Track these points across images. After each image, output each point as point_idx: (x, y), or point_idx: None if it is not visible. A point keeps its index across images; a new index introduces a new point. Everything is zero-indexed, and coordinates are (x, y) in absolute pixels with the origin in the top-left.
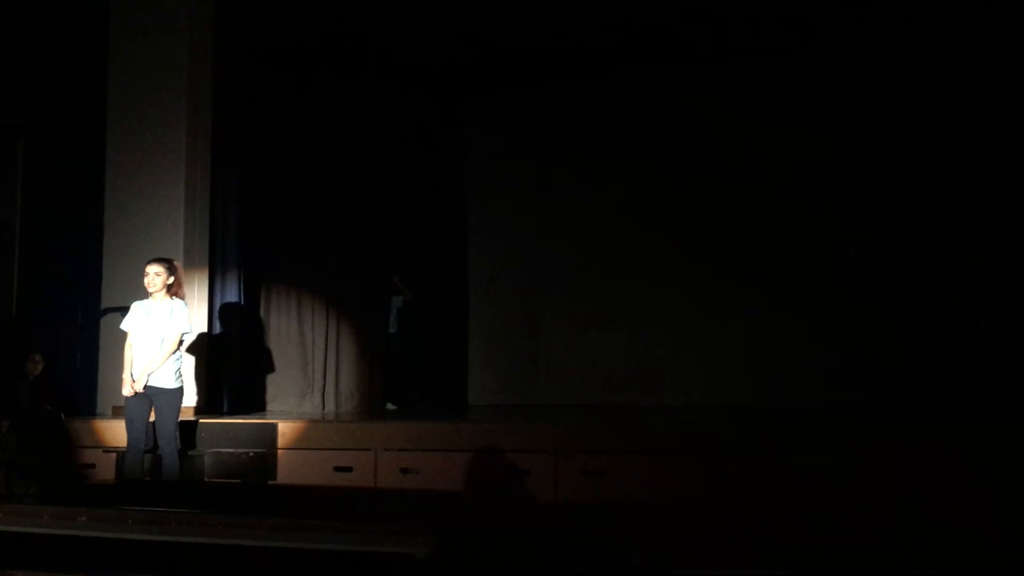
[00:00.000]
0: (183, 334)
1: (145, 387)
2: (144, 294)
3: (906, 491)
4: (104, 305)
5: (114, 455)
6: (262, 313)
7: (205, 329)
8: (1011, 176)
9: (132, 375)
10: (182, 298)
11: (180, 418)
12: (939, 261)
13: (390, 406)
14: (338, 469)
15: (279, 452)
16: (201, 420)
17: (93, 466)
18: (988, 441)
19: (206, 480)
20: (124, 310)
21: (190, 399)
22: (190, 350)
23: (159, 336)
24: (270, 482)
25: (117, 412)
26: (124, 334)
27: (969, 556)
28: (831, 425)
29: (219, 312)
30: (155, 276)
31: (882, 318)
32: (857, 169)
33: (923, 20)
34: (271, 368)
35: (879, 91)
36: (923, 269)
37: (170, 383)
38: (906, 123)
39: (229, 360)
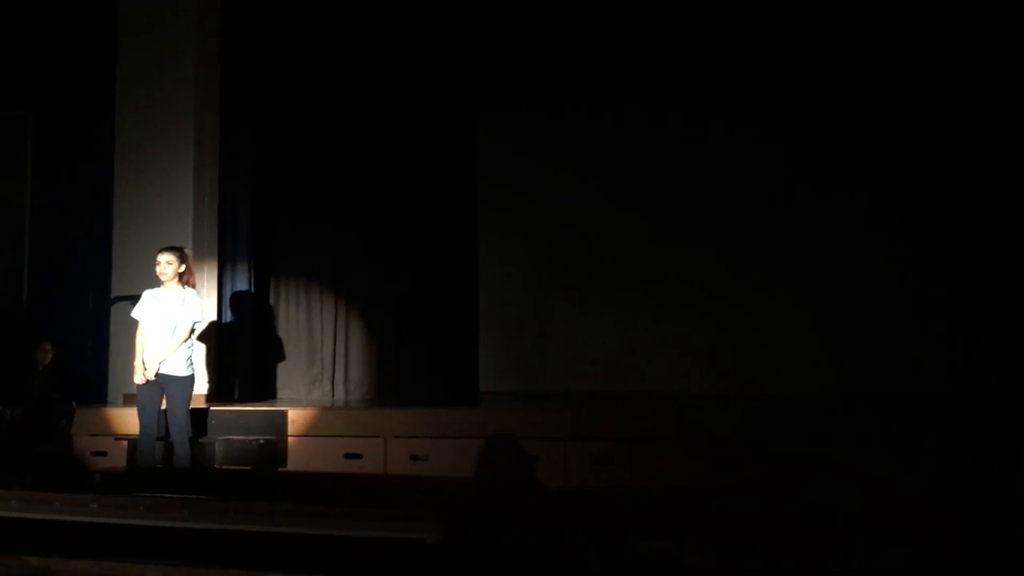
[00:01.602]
0: (195, 322)
1: (157, 375)
2: (155, 283)
3: (917, 481)
4: (114, 294)
5: (125, 442)
6: (272, 302)
7: (215, 318)
8: None
9: (144, 363)
10: (193, 286)
11: (191, 406)
12: (955, 251)
13: None
14: (348, 456)
15: (289, 439)
16: (212, 408)
17: (105, 453)
18: (998, 433)
19: (217, 467)
20: (134, 298)
21: (201, 387)
22: (201, 338)
23: (171, 324)
24: (280, 469)
25: (128, 400)
26: (135, 322)
27: (980, 548)
28: (842, 414)
29: (229, 301)
30: (167, 265)
31: (896, 307)
32: (871, 159)
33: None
34: (281, 356)
35: (889, 82)
36: (938, 258)
37: (181, 371)
38: (922, 115)
39: (239, 348)
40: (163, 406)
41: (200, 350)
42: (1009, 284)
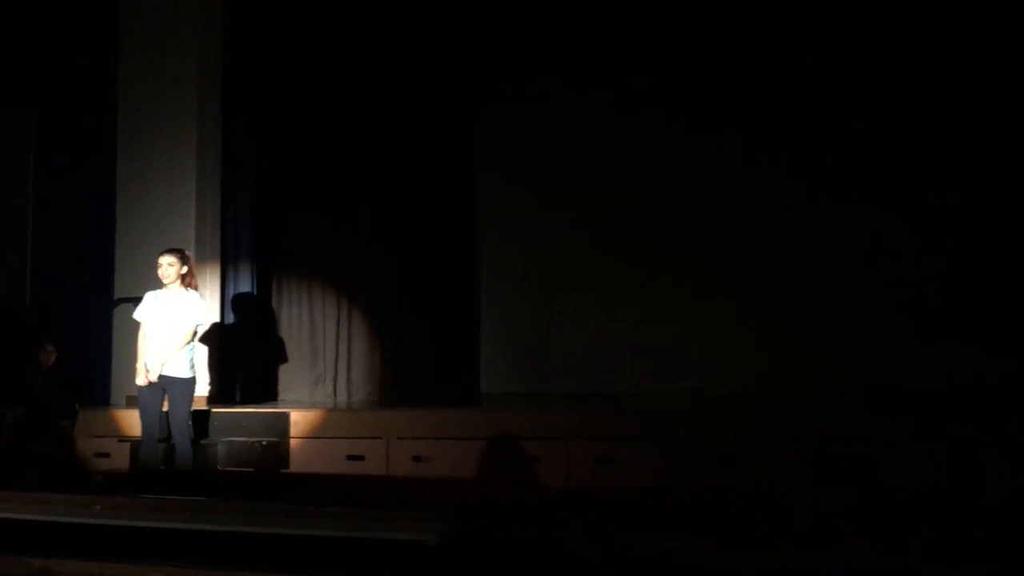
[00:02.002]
0: (197, 324)
1: (159, 377)
2: (158, 284)
3: (917, 481)
4: (117, 295)
5: (128, 444)
6: (274, 303)
7: (218, 319)
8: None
9: (146, 365)
10: (195, 288)
11: (193, 407)
12: (952, 246)
13: None
14: (350, 457)
15: (292, 441)
16: (214, 409)
17: (107, 455)
18: (1002, 428)
19: (219, 469)
20: (137, 300)
21: (203, 388)
22: (203, 340)
23: (173, 326)
24: (283, 471)
25: (131, 402)
26: (138, 324)
27: (982, 546)
28: (842, 413)
29: (231, 302)
30: (168, 267)
31: (895, 307)
32: (866, 156)
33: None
34: (283, 358)
35: (881, 85)
36: (936, 254)
37: (183, 372)
38: (913, 112)
39: (242, 350)
40: (165, 408)
41: (202, 352)
42: (1006, 284)
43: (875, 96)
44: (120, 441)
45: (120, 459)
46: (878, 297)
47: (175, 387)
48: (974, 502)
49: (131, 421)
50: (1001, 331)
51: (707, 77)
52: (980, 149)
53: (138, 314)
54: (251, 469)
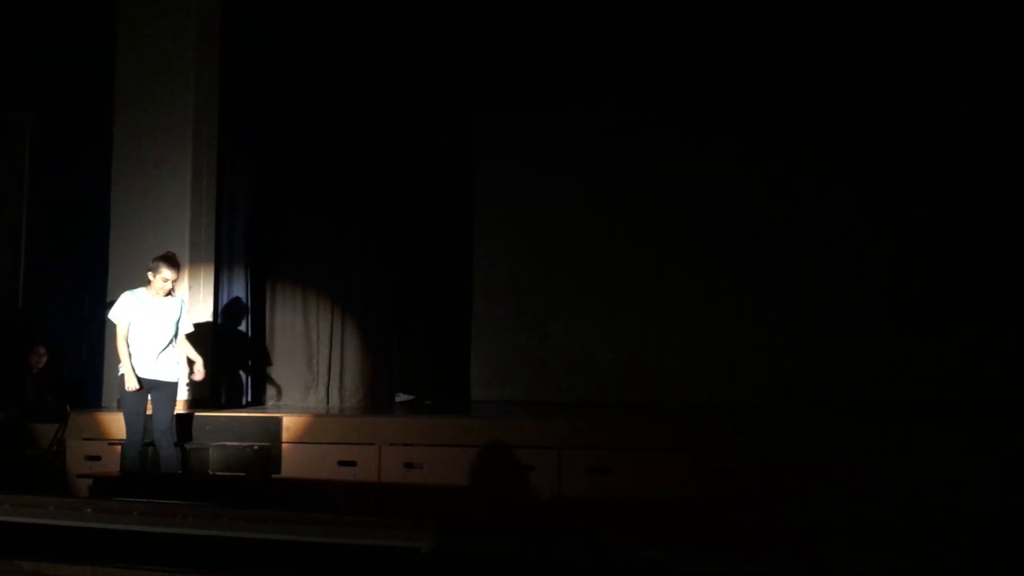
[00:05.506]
0: (184, 331)
1: (145, 380)
2: (140, 284)
3: (909, 490)
4: (110, 298)
5: (118, 447)
6: (267, 307)
7: (210, 322)
8: (1008, 176)
9: (134, 368)
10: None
11: (184, 411)
12: (937, 260)
13: (402, 396)
14: (342, 463)
15: (283, 446)
16: (206, 413)
17: (98, 458)
18: (992, 439)
19: (210, 473)
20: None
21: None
22: (197, 343)
23: (165, 331)
24: (274, 476)
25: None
26: (114, 325)
27: (973, 556)
28: (836, 424)
29: (224, 306)
30: (172, 283)
31: (888, 316)
32: (846, 170)
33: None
34: (275, 362)
35: (870, 91)
36: (924, 269)
37: (169, 376)
38: (895, 122)
39: (234, 354)
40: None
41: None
42: (999, 294)
43: (861, 111)
44: (110, 444)
45: (111, 462)
46: (873, 309)
47: (160, 390)
48: (970, 511)
49: (122, 424)
50: (996, 342)
51: (699, 94)
52: (973, 163)
53: (119, 316)
54: (242, 474)
